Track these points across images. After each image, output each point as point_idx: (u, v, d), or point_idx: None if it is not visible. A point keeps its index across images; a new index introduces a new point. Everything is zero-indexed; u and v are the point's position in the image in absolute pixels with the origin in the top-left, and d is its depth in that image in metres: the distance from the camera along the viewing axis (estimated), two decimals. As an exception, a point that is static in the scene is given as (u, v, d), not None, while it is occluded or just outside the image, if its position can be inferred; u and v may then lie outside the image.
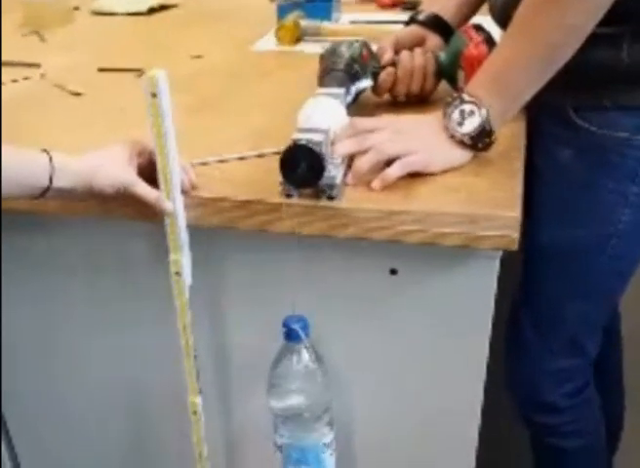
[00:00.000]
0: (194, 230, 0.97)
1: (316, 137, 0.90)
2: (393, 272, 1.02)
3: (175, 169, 0.92)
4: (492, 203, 0.93)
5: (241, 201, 0.95)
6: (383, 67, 1.18)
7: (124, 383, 1.21)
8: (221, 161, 1.04)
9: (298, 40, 1.59)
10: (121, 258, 1.10)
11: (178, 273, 0.97)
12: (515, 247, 0.92)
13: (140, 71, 1.38)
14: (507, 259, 1.00)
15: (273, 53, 1.53)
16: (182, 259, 0.97)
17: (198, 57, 1.48)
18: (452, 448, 1.13)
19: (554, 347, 1.24)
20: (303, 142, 0.88)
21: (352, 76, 1.12)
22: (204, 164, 1.03)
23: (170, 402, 1.17)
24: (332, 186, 0.92)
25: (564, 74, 0.97)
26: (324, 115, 0.96)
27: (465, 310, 1.02)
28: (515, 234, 0.91)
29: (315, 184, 0.90)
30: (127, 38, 1.75)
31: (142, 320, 1.14)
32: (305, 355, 0.99)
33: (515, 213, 0.91)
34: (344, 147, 0.96)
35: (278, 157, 0.90)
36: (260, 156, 1.05)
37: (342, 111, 1.01)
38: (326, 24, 1.61)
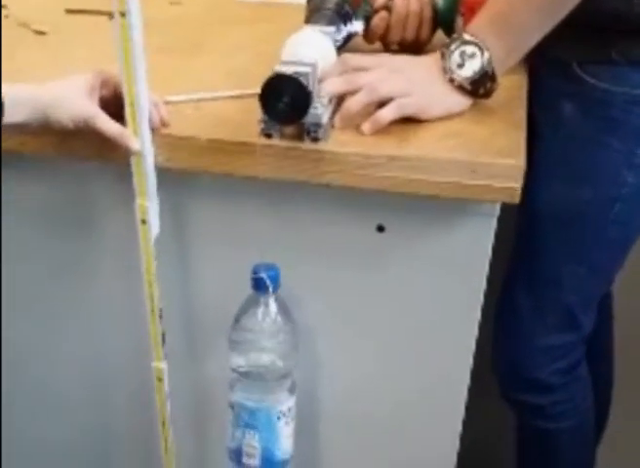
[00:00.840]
0: (163, 173, 0.87)
1: (302, 69, 0.80)
2: (380, 229, 0.93)
3: (144, 102, 0.82)
4: (493, 151, 0.85)
5: (215, 140, 0.86)
6: (376, 11, 1.09)
7: (79, 344, 1.10)
8: (196, 100, 0.94)
9: (284, -8, 1.49)
10: (80, 204, 0.99)
11: (144, 221, 0.88)
12: (517, 199, 0.84)
13: (111, 14, 1.27)
14: (500, 224, 0.92)
15: (257, 3, 1.43)
16: (149, 205, 0.87)
17: (177, 3, 1.38)
18: (435, 427, 1.04)
19: (549, 319, 1.16)
20: (288, 72, 0.79)
21: (342, 17, 1.03)
22: (176, 102, 0.93)
23: (132, 367, 1.07)
24: (317, 125, 0.83)
25: (569, 25, 0.90)
26: (311, 49, 0.87)
27: (458, 273, 0.94)
28: (517, 185, 0.83)
29: (299, 120, 0.81)
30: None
31: (102, 273, 1.04)
32: (273, 308, 0.90)
33: (518, 161, 0.83)
34: (333, 85, 0.87)
35: (258, 98, 0.81)
36: (238, 97, 0.95)
37: (331, 48, 0.92)
38: (314, -24, 1.51)
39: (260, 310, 0.90)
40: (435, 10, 1.11)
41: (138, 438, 1.14)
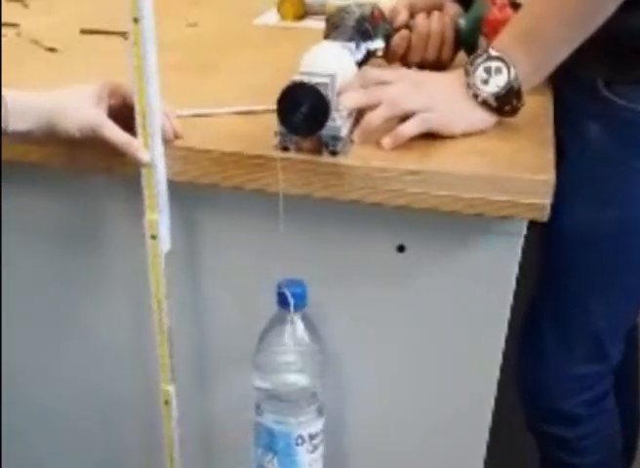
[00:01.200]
0: (174, 187, 0.84)
1: (321, 80, 0.77)
2: (401, 249, 0.89)
3: (155, 111, 0.79)
4: (520, 166, 0.81)
5: (230, 153, 0.83)
6: (397, 30, 1.06)
7: (83, 365, 1.06)
8: (210, 115, 0.91)
9: (302, 17, 1.47)
10: (87, 218, 0.96)
11: (154, 236, 0.84)
12: (546, 217, 0.80)
13: (126, 34, 1.25)
14: (525, 250, 0.88)
15: (275, 27, 1.41)
16: (160, 220, 0.83)
17: (194, 25, 1.36)
18: (461, 451, 0.99)
19: (576, 348, 1.11)
20: (306, 81, 0.75)
21: (362, 34, 1.00)
22: (189, 116, 0.90)
23: (138, 390, 1.03)
24: (336, 138, 0.80)
25: (595, 44, 0.87)
26: (330, 60, 0.83)
27: (483, 294, 0.89)
28: (547, 201, 0.79)
29: (317, 132, 0.78)
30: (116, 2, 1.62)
31: (110, 291, 1.00)
32: (300, 326, 0.86)
33: (548, 176, 0.78)
34: (352, 99, 0.84)
35: (274, 114, 0.78)
36: (253, 112, 0.92)
37: (351, 61, 0.88)
38: (332, 1, 1.49)
39: (287, 328, 0.86)
40: (457, 30, 1.08)
41: (143, 464, 1.09)
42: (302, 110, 0.76)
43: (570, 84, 1.03)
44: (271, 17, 1.47)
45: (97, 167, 0.86)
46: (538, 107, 0.97)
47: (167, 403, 0.93)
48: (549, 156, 0.83)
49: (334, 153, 0.80)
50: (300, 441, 0.90)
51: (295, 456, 0.90)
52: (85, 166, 0.86)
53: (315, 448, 0.91)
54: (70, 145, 0.84)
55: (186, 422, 0.95)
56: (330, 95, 0.77)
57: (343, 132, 0.80)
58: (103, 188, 0.92)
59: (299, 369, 0.88)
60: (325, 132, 0.79)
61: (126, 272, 0.95)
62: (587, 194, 1.04)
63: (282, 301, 0.84)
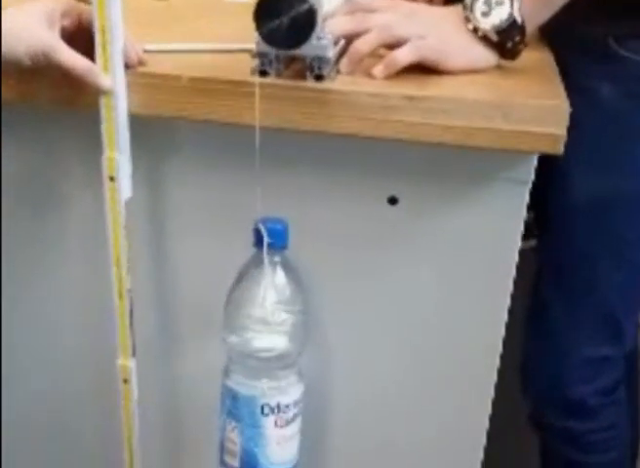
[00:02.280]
0: (138, 122, 0.73)
1: (305, -10, 0.67)
2: (393, 201, 0.79)
3: (117, 28, 0.69)
4: (529, 94, 0.72)
5: (202, 79, 0.72)
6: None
7: (32, 335, 0.93)
8: (180, 51, 0.81)
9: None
10: (37, 159, 0.84)
11: (112, 178, 0.73)
12: (560, 149, 0.71)
13: None
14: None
15: (247, 4, 1.32)
16: (120, 159, 0.73)
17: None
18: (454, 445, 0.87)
19: (586, 327, 1.00)
20: (288, -14, 0.66)
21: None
22: (157, 52, 0.80)
23: (93, 363, 0.90)
24: (322, 60, 0.70)
25: (602, 2, 0.84)
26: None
27: (483, 254, 0.80)
28: (561, 132, 0.69)
29: (301, 44, 0.68)
30: None
31: (64, 255, 0.87)
32: (281, 272, 0.75)
33: (560, 102, 0.69)
34: (340, 24, 0.75)
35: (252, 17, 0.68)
36: (228, 51, 0.82)
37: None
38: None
39: (265, 271, 0.74)
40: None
41: (98, 443, 0.95)
42: (285, 18, 0.66)
43: (576, 44, 0.95)
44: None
45: (49, 99, 0.74)
46: (539, 60, 0.88)
47: (126, 381, 0.81)
48: (559, 88, 0.75)
49: (319, 78, 0.71)
50: (266, 410, 0.77)
51: (260, 429, 0.78)
52: (36, 99, 0.75)
53: (287, 422, 0.79)
54: (19, 75, 0.73)
55: (148, 399, 0.83)
56: (316, 4, 0.67)
57: (330, 52, 0.70)
58: (56, 130, 0.81)
59: (276, 323, 0.76)
60: (309, 51, 0.70)
61: (82, 228, 0.84)
62: (598, 160, 0.95)
63: (258, 240, 0.73)
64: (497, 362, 0.83)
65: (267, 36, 0.67)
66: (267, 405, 0.77)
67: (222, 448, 0.80)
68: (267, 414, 0.77)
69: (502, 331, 0.83)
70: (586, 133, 0.94)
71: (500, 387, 0.86)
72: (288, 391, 0.78)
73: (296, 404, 0.79)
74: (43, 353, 0.92)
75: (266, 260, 0.72)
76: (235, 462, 0.79)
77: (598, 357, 1.03)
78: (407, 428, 0.88)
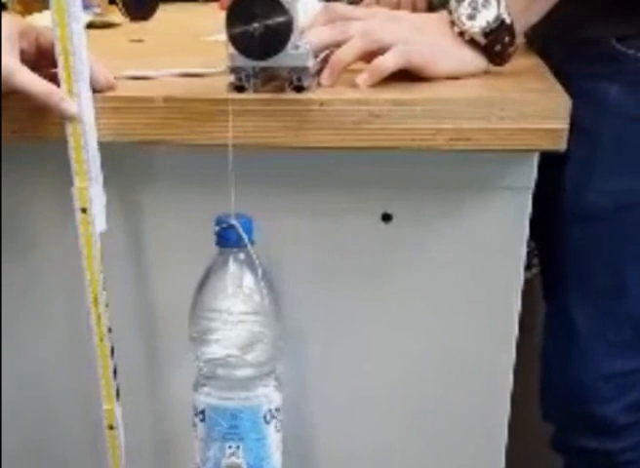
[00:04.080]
0: (107, 150, 0.68)
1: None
2: (386, 218, 0.74)
3: (81, 50, 0.65)
4: (527, 90, 0.68)
5: (176, 99, 0.67)
6: (363, -2, 0.94)
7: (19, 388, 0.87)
8: (151, 78, 0.77)
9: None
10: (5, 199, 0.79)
11: (84, 209, 0.68)
12: (563, 145, 0.66)
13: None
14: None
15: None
16: (91, 189, 0.68)
17: (139, 41, 1.23)
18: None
19: (611, 338, 0.94)
20: (262, -11, 0.62)
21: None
22: (127, 78, 0.76)
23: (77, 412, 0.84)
24: (300, 70, 0.66)
25: (602, 2, 0.82)
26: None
27: (484, 272, 0.75)
28: (564, 126, 0.64)
29: (277, 52, 0.63)
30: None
31: (41, 296, 0.82)
32: (246, 267, 0.69)
33: (561, 96, 0.65)
34: (319, 34, 0.71)
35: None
36: (200, 75, 0.78)
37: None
38: None
39: (231, 270, 0.68)
40: (430, 1, 0.98)
41: None
42: (258, 24, 0.62)
43: (576, 49, 0.91)
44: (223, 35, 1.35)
45: (9, 128, 0.69)
46: (529, 64, 0.84)
47: (112, 427, 0.74)
48: (556, 85, 0.70)
49: (299, 89, 0.66)
50: (268, 417, 0.72)
51: (265, 440, 0.72)
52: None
53: (280, 425, 0.74)
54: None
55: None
56: (292, 9, 0.63)
57: (310, 62, 0.66)
58: (18, 154, 0.76)
59: (247, 325, 0.70)
60: (286, 62, 0.65)
61: (58, 267, 0.78)
62: (620, 164, 0.90)
63: (222, 237, 0.68)
64: (510, 382, 0.77)
65: (238, 40, 0.63)
66: (269, 411, 0.72)
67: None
68: (269, 421, 0.72)
69: (514, 351, 0.77)
70: (597, 138, 0.90)
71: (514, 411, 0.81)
72: (278, 393, 0.74)
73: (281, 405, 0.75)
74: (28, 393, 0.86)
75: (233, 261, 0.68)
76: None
77: (627, 370, 0.96)
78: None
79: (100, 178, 0.69)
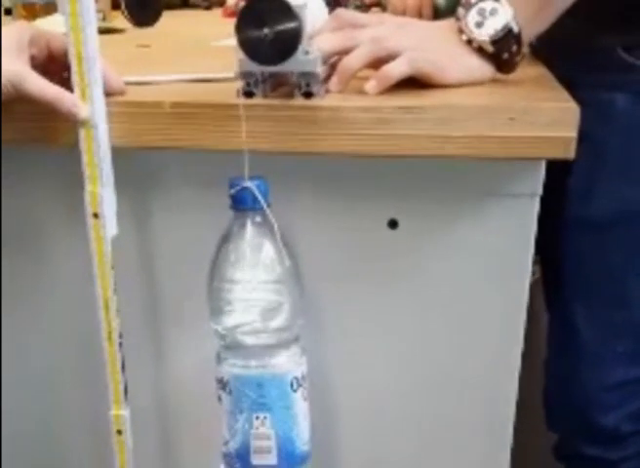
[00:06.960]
0: (120, 153, 0.69)
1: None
2: (393, 225, 0.74)
3: (94, 54, 0.65)
4: (534, 98, 0.68)
5: (185, 104, 0.68)
6: (369, 6, 0.95)
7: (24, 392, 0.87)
8: (160, 83, 0.78)
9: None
10: (13, 204, 0.79)
11: (96, 215, 0.68)
12: (572, 153, 0.66)
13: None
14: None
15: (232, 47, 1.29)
16: (103, 194, 0.68)
17: (145, 46, 1.24)
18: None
19: (617, 346, 0.94)
20: (272, -6, 0.62)
21: (333, 5, 0.88)
22: (136, 84, 0.76)
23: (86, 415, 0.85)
24: (310, 76, 0.66)
25: (610, 11, 0.83)
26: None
27: (490, 279, 0.75)
28: (572, 133, 0.65)
29: (287, 58, 0.64)
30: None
31: (50, 301, 0.82)
32: (264, 231, 0.68)
33: (570, 105, 0.65)
34: (328, 41, 0.71)
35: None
36: (209, 80, 0.78)
37: (323, 7, 0.76)
38: None
39: (248, 233, 0.68)
40: (435, 7, 0.98)
41: None
42: (268, 30, 0.62)
43: (582, 58, 0.92)
44: (232, 40, 1.36)
45: (21, 135, 0.70)
46: (536, 74, 0.84)
47: (120, 432, 0.75)
48: (564, 93, 0.71)
49: (308, 95, 0.67)
50: (295, 385, 0.71)
51: (292, 409, 0.71)
52: (8, 138, 0.71)
53: (307, 394, 0.73)
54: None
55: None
56: (302, 15, 0.63)
57: (319, 68, 0.66)
58: (35, 168, 0.76)
59: (267, 290, 0.69)
60: (296, 67, 0.65)
61: (70, 271, 0.79)
62: (627, 173, 0.91)
63: (237, 201, 0.67)
64: (515, 388, 0.78)
65: (248, 45, 0.63)
66: (295, 378, 0.71)
67: (248, 453, 0.72)
68: (296, 389, 0.71)
69: (519, 358, 0.77)
70: (605, 148, 0.90)
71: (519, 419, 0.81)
72: (302, 359, 0.73)
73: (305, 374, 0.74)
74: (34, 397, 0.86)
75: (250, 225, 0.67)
76: (271, 459, 0.71)
77: (630, 379, 0.96)
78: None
79: (112, 182, 0.69)
